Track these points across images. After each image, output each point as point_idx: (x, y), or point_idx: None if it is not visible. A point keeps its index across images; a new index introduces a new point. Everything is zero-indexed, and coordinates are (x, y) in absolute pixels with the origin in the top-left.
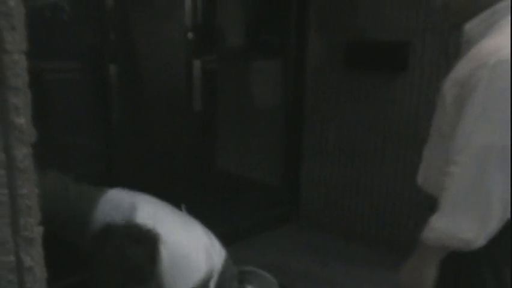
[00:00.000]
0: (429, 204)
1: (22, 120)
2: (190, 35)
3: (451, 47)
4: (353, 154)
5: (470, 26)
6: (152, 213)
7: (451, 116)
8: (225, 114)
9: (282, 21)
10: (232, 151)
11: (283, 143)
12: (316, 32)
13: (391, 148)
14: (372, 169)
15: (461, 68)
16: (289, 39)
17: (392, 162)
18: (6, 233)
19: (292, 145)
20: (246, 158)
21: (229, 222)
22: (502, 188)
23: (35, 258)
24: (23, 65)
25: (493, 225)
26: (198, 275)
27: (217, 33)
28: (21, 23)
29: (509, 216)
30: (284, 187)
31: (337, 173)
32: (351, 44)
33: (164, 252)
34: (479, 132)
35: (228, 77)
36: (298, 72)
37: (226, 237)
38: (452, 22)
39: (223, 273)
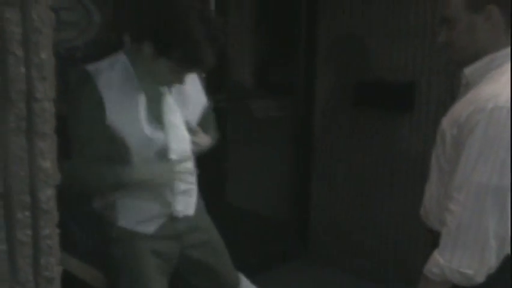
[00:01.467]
0: (432, 238)
1: (48, 163)
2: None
3: (456, 87)
4: (362, 191)
5: (470, 70)
6: None
7: (450, 154)
8: (234, 151)
9: (291, 61)
10: (241, 186)
11: (292, 178)
12: (324, 72)
13: (399, 185)
14: (381, 205)
15: (460, 110)
16: (298, 78)
17: (400, 199)
18: (28, 272)
19: (302, 181)
20: (255, 193)
21: (236, 258)
22: (499, 226)
23: None
24: (51, 112)
25: (492, 261)
26: None
27: (227, 72)
28: (51, 73)
29: (509, 252)
30: (293, 222)
31: (346, 209)
32: (359, 83)
33: None
34: (477, 172)
35: (238, 115)
36: (307, 111)
37: None
38: (454, 59)
39: None
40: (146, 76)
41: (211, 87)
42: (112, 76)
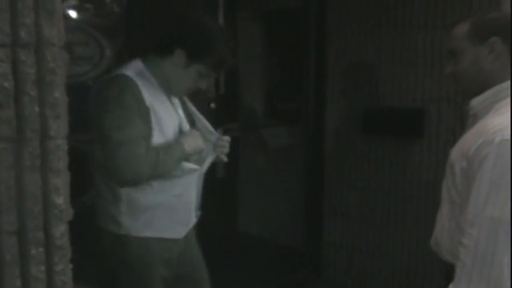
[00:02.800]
0: (444, 269)
1: (61, 199)
2: (212, 105)
3: (465, 115)
4: (374, 218)
5: (477, 102)
6: None
7: (461, 187)
8: (246, 179)
9: (300, 89)
10: (253, 215)
11: (304, 206)
12: (334, 99)
13: (411, 212)
14: (394, 233)
15: (469, 142)
16: (308, 106)
17: (413, 226)
18: None
19: (313, 208)
20: (267, 222)
21: (249, 286)
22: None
23: None
24: (64, 149)
25: None
26: None
27: (238, 102)
28: (64, 111)
29: None
30: (305, 251)
31: (358, 236)
32: (369, 110)
33: None
34: (489, 206)
35: (250, 143)
36: (317, 138)
37: None
38: (461, 91)
39: None
40: (165, 85)
41: (224, 117)
42: (145, 83)
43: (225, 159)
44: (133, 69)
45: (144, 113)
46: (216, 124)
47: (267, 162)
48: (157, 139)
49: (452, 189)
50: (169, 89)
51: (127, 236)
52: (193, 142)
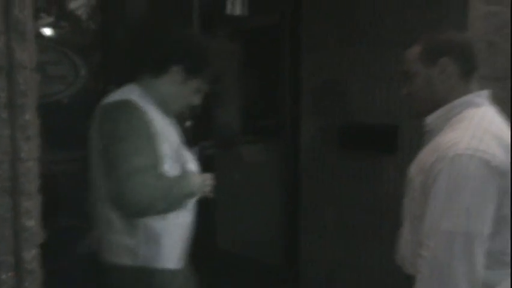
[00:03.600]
0: (409, 283)
1: (32, 222)
2: (188, 123)
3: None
4: (351, 233)
5: (431, 119)
6: None
7: (419, 200)
8: (223, 197)
9: (276, 105)
10: (232, 232)
11: (282, 222)
12: (309, 116)
13: (387, 226)
14: (371, 247)
15: (426, 157)
16: (284, 122)
17: (389, 241)
18: None
19: (291, 224)
20: (246, 239)
21: None
22: (468, 271)
23: None
24: (35, 171)
25: None
26: None
27: (214, 119)
28: (36, 133)
29: None
30: (284, 266)
31: (336, 252)
32: (343, 126)
33: None
34: (444, 220)
35: (226, 160)
36: (293, 155)
37: None
38: (416, 111)
39: None
40: (163, 106)
41: (200, 134)
42: (148, 107)
43: (211, 195)
44: (134, 93)
45: (153, 140)
46: (191, 142)
47: (244, 179)
48: (168, 164)
49: (412, 204)
50: (166, 108)
51: (144, 268)
52: (202, 180)
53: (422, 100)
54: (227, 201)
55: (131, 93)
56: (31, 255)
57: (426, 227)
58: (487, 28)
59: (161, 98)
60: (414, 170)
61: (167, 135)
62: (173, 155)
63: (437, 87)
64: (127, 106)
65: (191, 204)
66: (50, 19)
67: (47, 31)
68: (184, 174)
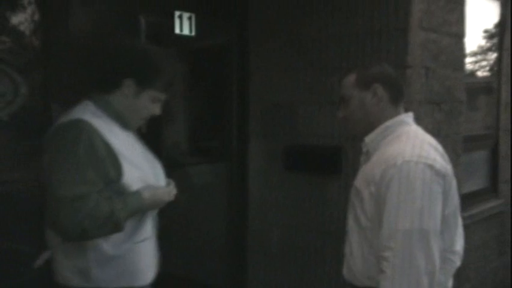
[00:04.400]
0: None
1: None
2: None
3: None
4: (296, 254)
5: (370, 139)
6: None
7: (370, 211)
8: (169, 217)
9: (224, 127)
10: (177, 254)
11: (228, 244)
12: (256, 137)
13: (331, 247)
14: (315, 268)
15: (372, 170)
16: (231, 143)
17: (332, 261)
18: None
19: (238, 246)
20: (192, 260)
21: None
22: (427, 263)
23: None
24: None
25: None
26: None
27: (162, 139)
28: None
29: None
30: None
31: (282, 273)
32: (289, 148)
33: None
34: (400, 221)
35: (173, 181)
36: (240, 175)
37: None
38: (351, 133)
39: None
40: (120, 121)
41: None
42: (104, 125)
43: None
44: (87, 111)
45: (106, 159)
46: None
47: (191, 200)
48: (132, 176)
49: (361, 216)
50: (124, 123)
51: None
52: (151, 191)
53: (357, 121)
54: (173, 222)
55: (84, 111)
56: None
57: (384, 231)
58: (425, 55)
59: (117, 113)
60: (360, 183)
61: (127, 150)
62: (135, 170)
63: (370, 109)
64: (76, 126)
65: (150, 222)
66: None
67: None
68: (134, 191)
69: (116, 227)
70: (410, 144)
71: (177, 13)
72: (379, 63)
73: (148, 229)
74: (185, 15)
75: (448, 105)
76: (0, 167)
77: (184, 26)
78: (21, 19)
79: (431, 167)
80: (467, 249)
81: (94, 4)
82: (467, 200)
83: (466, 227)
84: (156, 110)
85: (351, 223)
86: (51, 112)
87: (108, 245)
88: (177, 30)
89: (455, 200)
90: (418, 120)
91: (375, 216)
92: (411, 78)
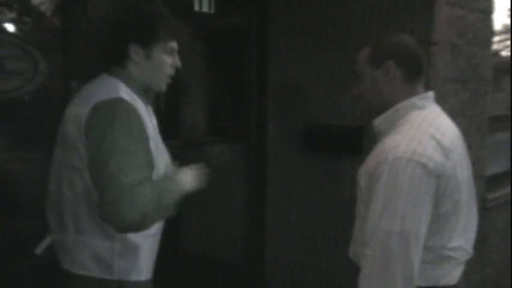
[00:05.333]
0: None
1: None
2: None
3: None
4: (316, 235)
5: (378, 121)
6: None
7: (365, 201)
8: (187, 197)
9: (242, 106)
10: (195, 234)
11: (246, 224)
12: (275, 117)
13: (349, 227)
14: (335, 249)
15: (370, 160)
16: (249, 125)
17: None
18: None
19: (256, 226)
20: (210, 240)
21: None
22: (404, 268)
23: None
24: None
25: None
26: None
27: (180, 119)
28: None
29: None
30: (248, 269)
31: (300, 254)
32: (308, 128)
33: None
34: (383, 219)
35: (191, 160)
36: (259, 157)
37: None
38: (366, 110)
39: None
40: (143, 93)
41: (165, 134)
42: (135, 102)
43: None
44: (121, 89)
45: (147, 142)
46: None
47: (208, 180)
48: (157, 164)
49: (360, 204)
50: (145, 96)
51: (112, 282)
52: (190, 180)
53: (369, 101)
54: (190, 202)
55: (118, 89)
56: None
57: (368, 227)
58: (451, 31)
59: (138, 84)
60: (361, 172)
61: (151, 129)
62: (157, 150)
63: (381, 89)
64: (120, 105)
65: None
66: (12, 14)
67: (10, 27)
68: (171, 175)
69: (169, 210)
70: (408, 137)
71: None
72: (397, 35)
73: (159, 225)
74: None
75: (474, 84)
76: (18, 145)
77: (203, 2)
78: (43, 0)
79: (423, 165)
80: (490, 233)
81: None
82: (491, 182)
83: (490, 210)
84: (176, 61)
85: (357, 207)
86: (70, 91)
87: (135, 234)
88: (196, 7)
89: (456, 197)
90: (443, 100)
91: (369, 206)
92: (436, 55)
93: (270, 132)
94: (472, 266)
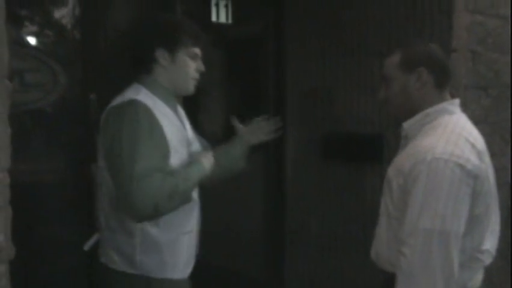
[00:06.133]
0: (384, 277)
1: (1, 237)
2: None
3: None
4: (336, 245)
5: (408, 125)
6: None
7: (398, 201)
8: (205, 207)
9: (260, 114)
10: (214, 243)
11: (265, 233)
12: (293, 125)
13: (371, 237)
14: (356, 259)
15: (403, 161)
16: None
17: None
18: None
19: (275, 236)
20: (229, 250)
21: None
22: (444, 267)
23: None
24: (5, 183)
25: None
26: None
27: (198, 127)
28: (6, 144)
29: None
30: (267, 279)
31: (321, 264)
32: (327, 136)
33: None
34: (422, 218)
35: None
36: (278, 164)
37: None
38: (392, 114)
39: None
40: (170, 97)
41: None
42: (154, 106)
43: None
44: (140, 92)
45: (160, 138)
46: None
47: (228, 189)
48: (172, 160)
49: (389, 204)
50: (175, 96)
51: (139, 277)
52: (209, 160)
53: (398, 105)
54: (209, 211)
55: (137, 93)
56: (0, 271)
57: (406, 226)
58: (471, 38)
59: (165, 89)
60: (392, 172)
61: (174, 135)
62: (182, 150)
63: (412, 94)
64: (132, 105)
65: (195, 216)
66: (34, 28)
67: (31, 40)
68: (190, 161)
69: (185, 198)
70: (444, 139)
71: (214, 1)
72: (426, 43)
73: (194, 222)
74: (222, 2)
75: (496, 90)
76: (39, 156)
77: (220, 13)
78: (64, 13)
79: (461, 166)
80: None
81: None
82: None
83: None
84: (200, 65)
85: (382, 208)
86: (89, 103)
87: (156, 230)
88: (214, 18)
89: (487, 199)
90: (464, 106)
91: (402, 207)
92: (456, 62)
93: (288, 140)
94: (502, 275)
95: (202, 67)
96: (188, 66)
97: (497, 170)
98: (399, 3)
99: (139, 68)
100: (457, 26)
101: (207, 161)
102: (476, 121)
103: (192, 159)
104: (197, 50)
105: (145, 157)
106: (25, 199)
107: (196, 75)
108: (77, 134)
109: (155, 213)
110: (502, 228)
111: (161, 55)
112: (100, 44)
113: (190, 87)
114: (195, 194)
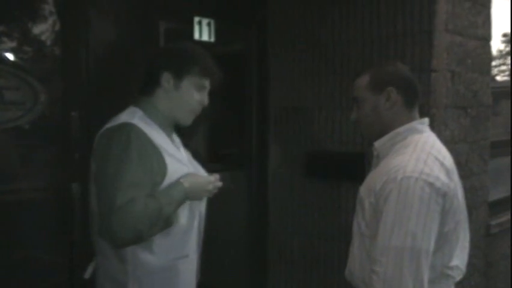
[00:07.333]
0: None
1: None
2: None
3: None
4: (318, 263)
5: (379, 144)
6: None
7: (370, 220)
8: None
9: (243, 134)
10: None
11: (248, 253)
12: (276, 143)
13: None
14: (338, 277)
15: (375, 179)
16: (250, 151)
17: None
18: None
19: (258, 255)
20: (211, 270)
21: None
22: (415, 283)
23: None
24: None
25: None
26: None
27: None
28: None
29: None
30: None
31: (302, 282)
32: (310, 154)
33: None
34: (394, 236)
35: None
36: (260, 183)
37: None
38: (364, 134)
39: None
40: (167, 123)
41: None
42: (150, 129)
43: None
44: (135, 116)
45: (153, 162)
46: None
47: (210, 208)
48: (175, 168)
49: (362, 223)
50: (173, 123)
51: None
52: (192, 179)
53: (369, 125)
54: None
55: (132, 116)
56: None
57: (378, 244)
58: (451, 58)
59: (163, 114)
60: (363, 191)
61: (169, 147)
62: (176, 163)
63: (382, 114)
64: (125, 129)
65: (194, 238)
66: (13, 44)
67: (10, 56)
68: (175, 182)
69: (168, 222)
70: (414, 158)
71: (196, 19)
72: (393, 64)
73: (192, 245)
74: (205, 21)
75: (475, 110)
76: (18, 175)
77: (203, 31)
78: (43, 29)
79: (431, 185)
80: (496, 259)
81: (114, 12)
82: (495, 207)
83: (494, 236)
84: (204, 98)
85: (355, 227)
86: (71, 120)
87: (149, 256)
88: (196, 36)
89: (457, 217)
90: (444, 126)
91: (374, 226)
92: (436, 82)
93: (271, 159)
94: None
95: (205, 101)
96: (191, 96)
97: (476, 189)
98: (380, 23)
99: (141, 89)
100: (437, 46)
101: (190, 184)
102: (456, 140)
103: (173, 183)
104: (205, 83)
105: (130, 185)
106: (3, 218)
107: (197, 107)
108: (58, 153)
109: (137, 240)
110: (480, 246)
111: (166, 79)
112: (81, 61)
113: (188, 117)
114: (192, 216)
